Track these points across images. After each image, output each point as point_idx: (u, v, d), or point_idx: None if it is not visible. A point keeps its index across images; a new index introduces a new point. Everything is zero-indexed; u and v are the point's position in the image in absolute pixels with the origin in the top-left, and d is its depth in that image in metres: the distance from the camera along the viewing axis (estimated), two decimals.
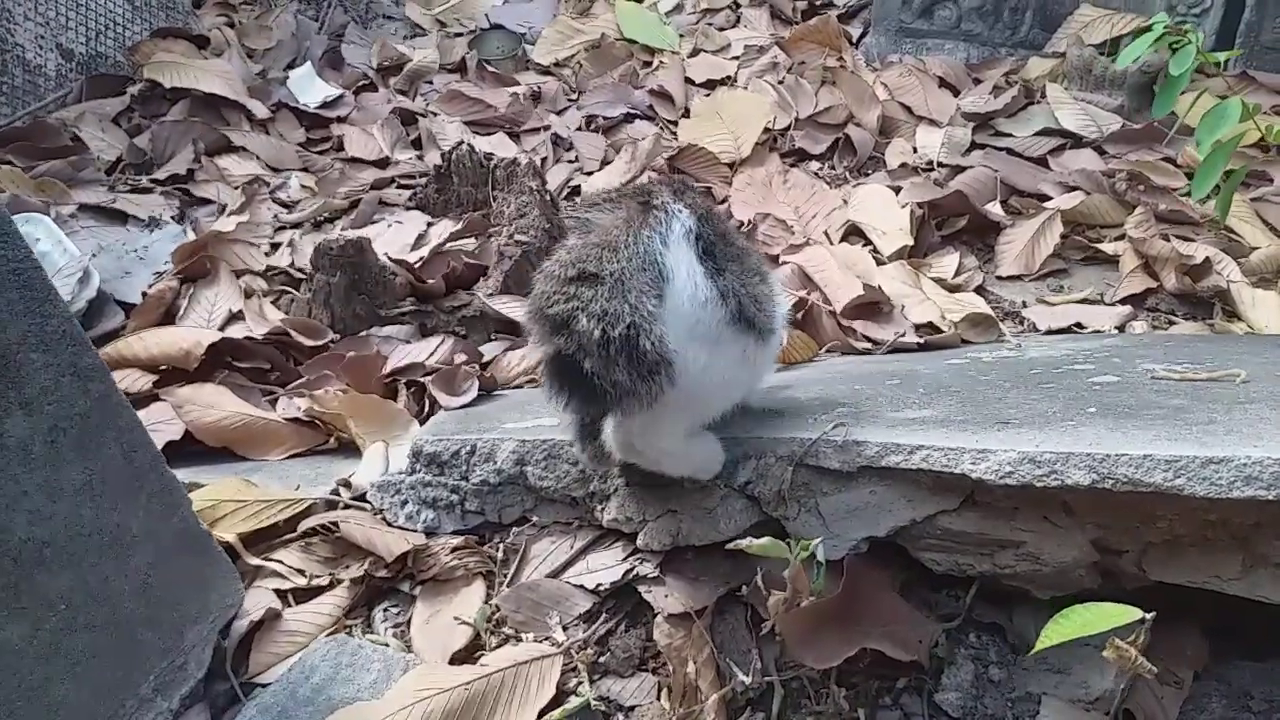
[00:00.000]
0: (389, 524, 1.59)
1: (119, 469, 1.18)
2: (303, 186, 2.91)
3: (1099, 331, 2.32)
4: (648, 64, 3.72)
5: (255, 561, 1.55)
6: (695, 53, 3.77)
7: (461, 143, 2.76)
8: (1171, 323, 2.38)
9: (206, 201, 2.76)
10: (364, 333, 2.24)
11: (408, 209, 2.82)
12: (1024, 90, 3.27)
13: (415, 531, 1.55)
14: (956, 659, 1.34)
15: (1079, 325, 2.35)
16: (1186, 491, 1.07)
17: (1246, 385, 1.41)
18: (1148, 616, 0.98)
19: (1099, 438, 1.16)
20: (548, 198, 2.59)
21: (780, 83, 3.42)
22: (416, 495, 1.56)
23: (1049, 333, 2.35)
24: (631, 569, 1.43)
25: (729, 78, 3.60)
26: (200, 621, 1.30)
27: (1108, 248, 2.63)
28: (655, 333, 1.13)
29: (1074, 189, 2.82)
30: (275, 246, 2.61)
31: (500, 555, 1.51)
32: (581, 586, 1.44)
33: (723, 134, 3.14)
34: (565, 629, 1.41)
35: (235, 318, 2.26)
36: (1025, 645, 1.39)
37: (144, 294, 2.27)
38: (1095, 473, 1.12)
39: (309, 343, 2.19)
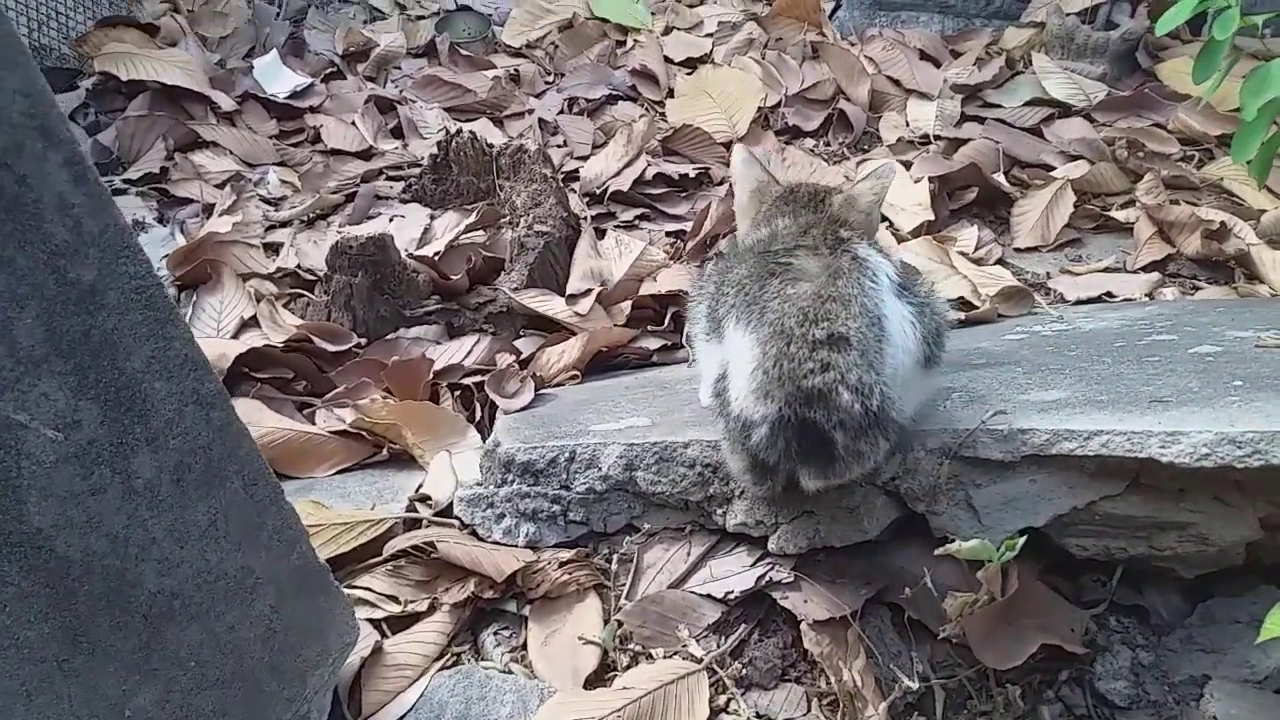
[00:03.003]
0: (480, 539, 1.48)
1: (241, 505, 1.05)
2: (283, 181, 2.74)
3: (1130, 300, 2.33)
4: (621, 43, 3.62)
5: None
6: (668, 30, 3.68)
7: (460, 130, 2.63)
8: (1196, 288, 2.40)
9: (186, 201, 2.57)
10: (390, 335, 2.10)
11: (403, 201, 2.67)
12: (1008, 61, 3.27)
13: (516, 546, 1.45)
14: (1111, 645, 1.31)
15: (1109, 294, 2.35)
16: None
17: None
18: None
19: None
20: (561, 185, 2.48)
21: (763, 59, 3.36)
22: (514, 508, 1.46)
23: (1079, 303, 2.34)
24: (764, 575, 1.35)
25: (706, 55, 3.53)
26: (321, 665, 1.18)
27: (1118, 215, 2.64)
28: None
29: (1076, 158, 2.83)
30: (270, 247, 2.44)
31: (612, 566, 1.42)
32: (709, 595, 1.36)
33: (714, 113, 3.07)
34: (697, 641, 1.33)
35: (247, 325, 2.10)
36: (1166, 626, 1.36)
37: None
38: None
39: (333, 348, 2.04)
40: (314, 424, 1.82)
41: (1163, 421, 1.17)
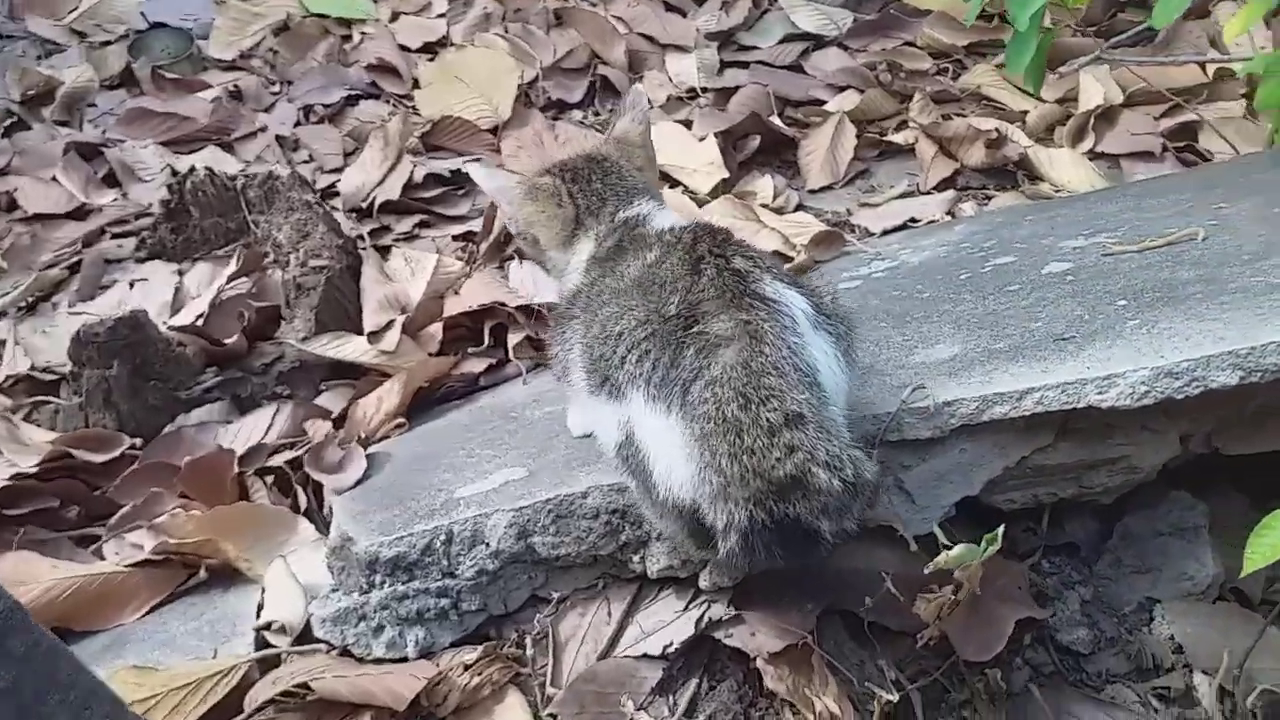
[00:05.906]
0: (360, 660, 1.24)
1: None
2: None
3: (933, 222, 2.33)
4: (347, 38, 3.28)
5: None
6: (395, 17, 3.37)
7: (192, 168, 2.27)
8: (989, 197, 2.44)
9: None
10: (169, 428, 1.77)
11: (140, 261, 2.29)
12: (754, 1, 3.23)
13: (408, 660, 1.22)
14: (1059, 593, 1.26)
15: (912, 220, 2.35)
16: None
17: (1209, 241, 1.42)
18: None
19: (1218, 332, 1.09)
20: (327, 209, 2.20)
21: (505, 33, 3.15)
22: (393, 615, 1.22)
23: (885, 233, 2.33)
24: (701, 617, 1.20)
25: (444, 38, 3.26)
26: None
27: (897, 139, 2.65)
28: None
29: (844, 88, 2.82)
30: None
31: (527, 650, 1.23)
32: (645, 655, 1.20)
33: (472, 99, 2.84)
34: (645, 710, 1.16)
35: None
36: (1095, 554, 1.33)
37: None
38: (1241, 369, 1.05)
39: (101, 458, 1.69)
40: (104, 559, 1.49)
41: (1089, 365, 1.11)
